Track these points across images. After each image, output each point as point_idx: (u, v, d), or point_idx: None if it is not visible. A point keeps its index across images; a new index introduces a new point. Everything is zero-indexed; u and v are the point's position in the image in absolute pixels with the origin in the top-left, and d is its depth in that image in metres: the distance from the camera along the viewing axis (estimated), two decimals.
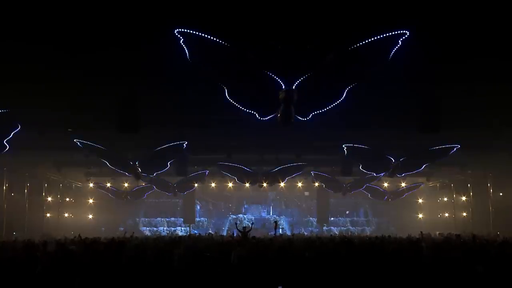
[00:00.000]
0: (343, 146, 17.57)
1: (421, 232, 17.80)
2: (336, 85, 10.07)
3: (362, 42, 8.85)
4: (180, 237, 16.33)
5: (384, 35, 8.66)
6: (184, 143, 17.80)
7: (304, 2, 8.32)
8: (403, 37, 8.61)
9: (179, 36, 8.52)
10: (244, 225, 18.45)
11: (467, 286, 7.29)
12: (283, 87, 9.63)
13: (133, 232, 20.50)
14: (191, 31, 8.56)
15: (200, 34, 8.59)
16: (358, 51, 8.99)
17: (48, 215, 27.69)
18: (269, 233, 24.66)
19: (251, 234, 16.14)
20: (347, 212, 35.12)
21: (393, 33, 8.60)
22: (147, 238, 19.34)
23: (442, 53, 9.94)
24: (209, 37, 8.64)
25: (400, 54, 8.97)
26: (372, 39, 8.74)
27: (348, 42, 9.00)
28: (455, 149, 17.16)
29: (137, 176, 21.02)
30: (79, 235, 16.04)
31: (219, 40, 8.71)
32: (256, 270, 8.04)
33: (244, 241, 13.52)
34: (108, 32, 9.14)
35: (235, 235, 17.98)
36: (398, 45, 8.75)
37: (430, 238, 18.80)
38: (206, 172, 25.66)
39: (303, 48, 9.18)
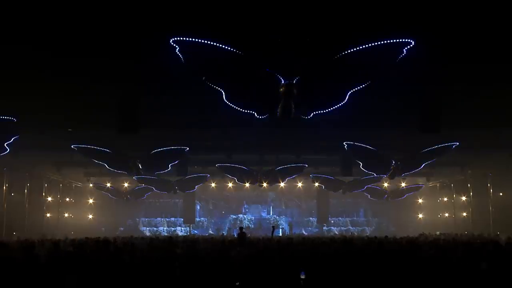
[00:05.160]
0: (344, 143, 17.56)
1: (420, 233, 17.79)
2: (339, 87, 10.09)
3: (365, 46, 8.86)
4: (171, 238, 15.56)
5: (389, 41, 8.68)
6: (186, 148, 17.89)
7: (308, 3, 8.32)
8: (408, 46, 8.64)
9: (174, 45, 8.54)
10: (243, 226, 18.43)
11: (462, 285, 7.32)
12: (283, 82, 9.64)
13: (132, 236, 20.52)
14: (186, 38, 8.56)
15: (195, 40, 8.58)
16: (362, 56, 9.01)
17: (48, 215, 27.66)
18: (268, 235, 24.65)
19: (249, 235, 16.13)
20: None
21: (398, 40, 8.62)
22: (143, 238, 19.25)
23: (443, 55, 9.94)
24: (204, 41, 8.64)
25: (402, 55, 8.99)
26: (377, 43, 8.76)
27: (352, 46, 9.02)
28: (453, 146, 17.13)
29: (137, 175, 21.02)
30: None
31: (216, 43, 8.71)
32: (257, 268, 8.04)
33: (241, 243, 13.43)
34: (109, 35, 9.16)
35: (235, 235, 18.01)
36: (403, 54, 8.79)
37: (429, 237, 18.81)
38: (207, 176, 25.66)
39: (303, 42, 9.17)
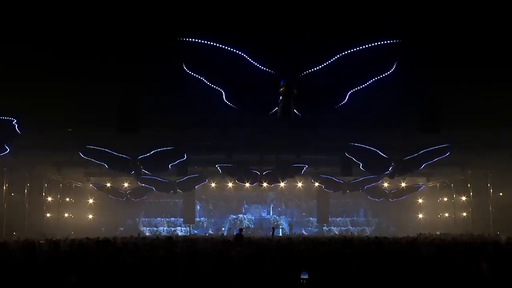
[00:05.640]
0: (346, 145, 17.57)
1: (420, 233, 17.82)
2: (339, 87, 10.10)
3: (365, 46, 8.88)
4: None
5: (388, 42, 8.70)
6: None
7: (309, 4, 8.33)
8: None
9: (175, 45, 8.56)
10: (244, 226, 18.47)
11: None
12: (283, 82, 9.64)
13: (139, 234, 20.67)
14: (187, 39, 8.56)
15: (195, 40, 8.58)
16: (362, 57, 9.02)
17: (48, 215, 27.69)
18: (268, 235, 24.68)
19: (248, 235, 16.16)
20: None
21: (397, 41, 8.64)
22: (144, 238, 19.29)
23: (443, 55, 9.95)
24: (204, 42, 8.64)
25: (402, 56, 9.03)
26: (377, 44, 8.79)
27: (351, 46, 9.03)
28: (449, 145, 17.16)
29: (138, 175, 21.06)
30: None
31: (216, 43, 8.71)
32: (257, 268, 8.04)
33: (238, 243, 13.42)
34: (109, 35, 9.17)
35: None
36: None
37: (429, 238, 18.81)
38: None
39: (303, 42, 9.17)
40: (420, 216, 33.10)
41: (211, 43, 8.72)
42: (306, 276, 6.62)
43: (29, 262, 7.90)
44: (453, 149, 17.46)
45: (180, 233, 30.56)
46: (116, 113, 12.49)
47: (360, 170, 20.79)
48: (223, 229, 31.89)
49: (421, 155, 18.34)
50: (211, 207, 35.15)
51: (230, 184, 30.51)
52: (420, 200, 33.18)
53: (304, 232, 31.85)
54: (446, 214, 30.48)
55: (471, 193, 27.31)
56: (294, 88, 9.64)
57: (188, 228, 32.80)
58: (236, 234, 15.63)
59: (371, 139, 17.40)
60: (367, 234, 28.16)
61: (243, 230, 16.65)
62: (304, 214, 35.00)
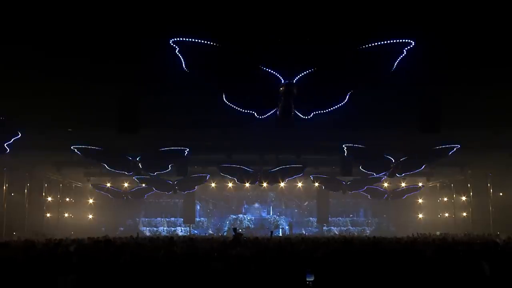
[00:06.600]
0: (343, 146, 17.57)
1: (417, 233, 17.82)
2: (339, 87, 10.10)
3: (366, 46, 8.88)
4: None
5: (389, 41, 8.70)
6: (186, 149, 17.97)
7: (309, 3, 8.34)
8: (408, 47, 8.67)
9: (174, 45, 8.56)
10: (244, 226, 18.37)
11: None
12: (283, 82, 9.64)
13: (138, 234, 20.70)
14: (186, 39, 8.56)
15: (195, 40, 8.58)
16: (363, 56, 9.02)
17: (48, 215, 27.69)
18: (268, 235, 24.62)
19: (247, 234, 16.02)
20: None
21: (398, 41, 8.64)
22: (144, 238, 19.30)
23: (443, 55, 9.95)
24: (204, 42, 8.64)
25: (402, 56, 9.03)
26: (377, 44, 8.79)
27: (353, 45, 9.04)
28: (454, 149, 17.18)
29: (137, 174, 21.08)
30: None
31: (215, 43, 8.71)
32: (257, 269, 8.03)
33: (236, 243, 13.34)
34: (109, 36, 9.18)
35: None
36: (403, 55, 8.83)
37: (428, 238, 18.81)
38: (207, 176, 25.66)
39: (303, 42, 9.17)
40: (420, 216, 33.08)
41: (212, 43, 8.73)
42: (312, 278, 6.59)
43: (29, 262, 7.91)
44: (459, 150, 17.48)
45: (180, 233, 30.55)
46: (116, 113, 12.50)
47: (360, 170, 20.79)
48: (224, 230, 31.83)
49: (421, 155, 18.34)
50: (211, 207, 35.13)
51: (230, 184, 30.49)
52: (420, 200, 33.17)
53: (304, 232, 31.85)
54: (446, 214, 30.47)
55: (471, 193, 27.30)
56: (294, 88, 9.64)
57: (188, 228, 32.80)
58: (234, 235, 15.33)
59: (371, 139, 17.39)
60: (367, 234, 28.14)
61: (241, 230, 16.46)
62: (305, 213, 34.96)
